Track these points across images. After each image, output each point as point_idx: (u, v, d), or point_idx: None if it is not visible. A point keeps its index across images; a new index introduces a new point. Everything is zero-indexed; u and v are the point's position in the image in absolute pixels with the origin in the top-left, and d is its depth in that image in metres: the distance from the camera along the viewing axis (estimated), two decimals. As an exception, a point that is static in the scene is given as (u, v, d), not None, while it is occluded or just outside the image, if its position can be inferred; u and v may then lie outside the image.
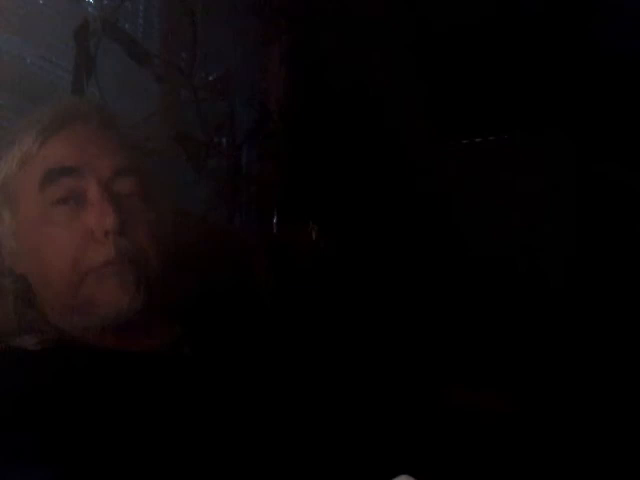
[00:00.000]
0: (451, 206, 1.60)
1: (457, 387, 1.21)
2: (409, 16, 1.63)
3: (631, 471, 1.03)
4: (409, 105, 1.64)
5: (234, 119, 1.44)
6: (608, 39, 1.45)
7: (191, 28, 1.31)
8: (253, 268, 1.10)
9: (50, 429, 0.52)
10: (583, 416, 1.21)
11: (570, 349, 1.37)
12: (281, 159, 1.64)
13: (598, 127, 1.45)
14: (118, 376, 0.58)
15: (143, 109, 1.20)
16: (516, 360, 1.40)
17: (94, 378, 0.57)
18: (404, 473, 0.49)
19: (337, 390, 0.73)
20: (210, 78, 1.43)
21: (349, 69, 1.66)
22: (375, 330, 1.33)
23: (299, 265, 1.45)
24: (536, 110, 1.53)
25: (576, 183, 1.47)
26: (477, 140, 1.62)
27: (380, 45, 1.64)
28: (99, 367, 0.58)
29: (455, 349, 1.44)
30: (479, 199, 1.57)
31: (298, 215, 1.62)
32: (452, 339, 1.46)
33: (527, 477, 1.01)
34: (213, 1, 1.49)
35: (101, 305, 0.60)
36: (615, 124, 1.44)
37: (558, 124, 1.50)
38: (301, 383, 0.69)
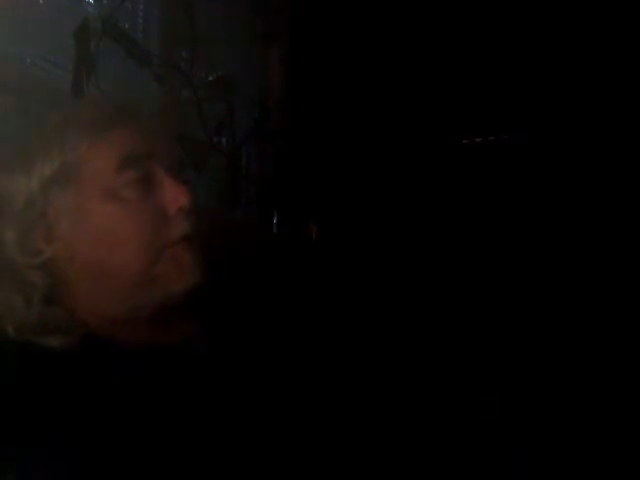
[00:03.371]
0: (451, 206, 1.60)
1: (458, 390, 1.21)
2: (409, 16, 1.63)
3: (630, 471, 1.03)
4: (410, 105, 1.64)
5: (234, 119, 1.44)
6: (608, 38, 1.45)
7: (191, 28, 1.31)
8: (262, 263, 1.10)
9: (75, 429, 0.52)
10: (583, 419, 1.21)
11: (571, 352, 1.37)
12: (281, 159, 1.64)
13: (598, 127, 1.46)
14: (143, 373, 0.59)
15: (143, 109, 1.20)
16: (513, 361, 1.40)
17: (120, 376, 0.58)
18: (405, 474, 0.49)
19: (338, 389, 0.74)
20: (210, 78, 1.43)
21: (349, 69, 1.66)
22: (376, 329, 1.33)
23: (299, 264, 1.45)
24: (537, 110, 1.53)
25: (575, 183, 1.47)
26: (477, 140, 1.63)
27: (380, 45, 1.64)
28: (124, 364, 0.59)
29: (454, 349, 1.44)
30: (479, 199, 1.57)
31: (298, 215, 1.62)
32: (452, 339, 1.46)
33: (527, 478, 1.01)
34: (213, 1, 1.50)
35: (175, 278, 0.62)
36: (615, 123, 1.45)
37: (558, 124, 1.50)
38: (310, 382, 0.70)
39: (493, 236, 1.54)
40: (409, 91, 1.64)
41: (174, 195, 0.63)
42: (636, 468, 1.09)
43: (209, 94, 1.34)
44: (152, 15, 1.38)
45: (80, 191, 0.62)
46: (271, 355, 0.70)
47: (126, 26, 1.27)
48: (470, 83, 1.59)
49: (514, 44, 1.53)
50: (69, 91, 1.03)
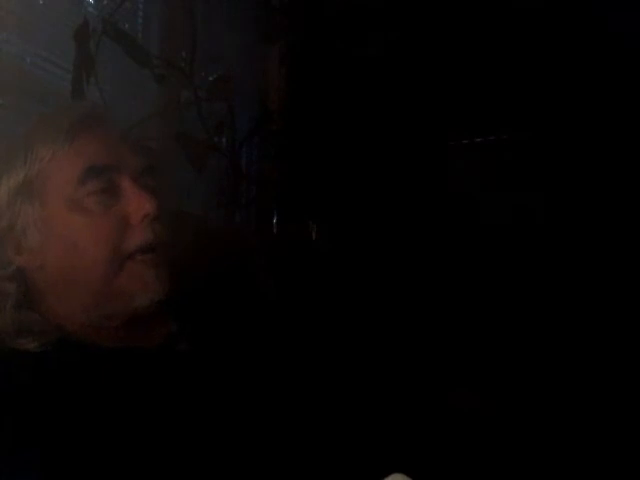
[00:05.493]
0: (451, 206, 1.60)
1: (458, 388, 1.21)
2: (410, 15, 1.63)
3: (630, 471, 1.03)
4: (409, 105, 1.64)
5: (234, 119, 1.44)
6: (611, 34, 1.45)
7: (191, 28, 1.31)
8: (253, 267, 1.10)
9: (51, 429, 0.52)
10: (582, 419, 1.21)
11: (570, 352, 1.37)
12: (281, 159, 1.64)
13: (597, 126, 1.46)
14: (119, 374, 0.59)
15: (143, 109, 1.20)
16: (513, 363, 1.40)
17: (96, 377, 0.58)
18: (401, 472, 0.49)
19: (335, 388, 0.74)
20: (210, 78, 1.43)
21: (349, 69, 1.66)
22: (375, 329, 1.33)
23: (299, 264, 1.45)
24: (536, 110, 1.53)
25: (575, 183, 1.47)
26: (477, 140, 1.63)
27: (380, 44, 1.64)
28: (100, 366, 0.59)
29: (455, 350, 1.44)
30: (479, 199, 1.57)
31: (298, 215, 1.62)
32: (453, 340, 1.46)
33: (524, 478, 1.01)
34: (213, 1, 1.50)
35: (137, 292, 0.62)
36: (615, 122, 1.44)
37: (557, 123, 1.50)
38: (299, 381, 0.70)
39: (493, 235, 1.54)
40: (409, 91, 1.64)
41: (137, 203, 0.63)
42: (636, 468, 1.09)
43: (209, 94, 1.34)
44: (152, 15, 1.38)
45: (44, 203, 0.62)
46: (268, 355, 0.70)
47: (126, 26, 1.27)
48: (470, 83, 1.59)
49: (514, 43, 1.53)
50: (69, 91, 1.03)
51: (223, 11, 1.52)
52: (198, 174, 1.26)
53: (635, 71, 1.43)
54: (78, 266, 0.62)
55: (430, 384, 1.21)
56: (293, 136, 1.63)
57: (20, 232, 0.63)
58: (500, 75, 1.56)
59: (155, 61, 1.21)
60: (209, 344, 0.68)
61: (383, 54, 1.64)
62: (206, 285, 0.76)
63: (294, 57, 1.69)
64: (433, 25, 1.62)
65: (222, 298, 0.77)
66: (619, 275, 1.39)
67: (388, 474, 0.49)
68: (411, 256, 1.58)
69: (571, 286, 1.42)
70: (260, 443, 0.60)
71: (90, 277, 0.62)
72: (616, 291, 1.39)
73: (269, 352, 0.71)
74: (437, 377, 1.26)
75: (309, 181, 1.64)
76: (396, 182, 1.65)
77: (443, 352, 1.42)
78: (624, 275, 1.39)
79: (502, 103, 1.56)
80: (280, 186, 1.62)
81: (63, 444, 0.51)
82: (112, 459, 0.53)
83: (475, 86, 1.59)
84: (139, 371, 0.60)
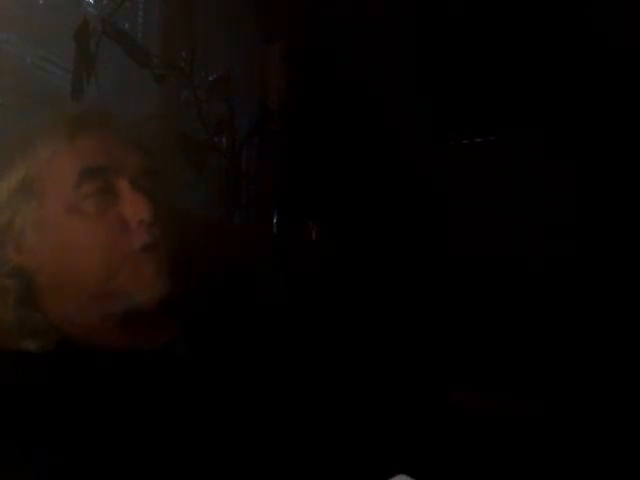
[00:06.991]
0: (451, 206, 1.60)
1: (461, 389, 1.21)
2: (409, 15, 1.63)
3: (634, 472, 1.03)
4: (409, 105, 1.64)
5: (234, 119, 1.44)
6: (607, 35, 1.45)
7: (191, 28, 1.31)
8: (254, 267, 1.10)
9: (54, 431, 0.52)
10: (588, 419, 1.21)
11: (574, 351, 1.37)
12: (281, 159, 1.63)
13: (597, 126, 1.46)
14: (120, 377, 0.59)
15: (143, 109, 1.20)
16: (521, 363, 1.40)
17: (96, 381, 0.58)
18: (404, 473, 0.49)
19: (336, 390, 0.74)
20: (210, 78, 1.43)
21: (349, 69, 1.66)
22: (376, 330, 1.33)
23: (299, 265, 1.45)
24: (536, 110, 1.53)
25: (575, 182, 1.47)
26: (477, 140, 1.62)
27: (380, 44, 1.64)
28: (101, 369, 0.59)
29: (457, 350, 1.44)
30: (479, 199, 1.57)
31: (298, 215, 1.62)
32: (454, 340, 1.46)
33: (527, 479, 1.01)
34: (213, 1, 1.50)
35: (136, 290, 0.62)
36: (614, 122, 1.44)
37: (557, 123, 1.50)
38: (300, 383, 0.70)
39: (493, 235, 1.54)
40: (409, 90, 1.64)
41: (134, 208, 0.63)
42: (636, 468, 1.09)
43: (209, 94, 1.34)
44: (152, 15, 1.38)
45: (42, 204, 0.63)
46: (266, 356, 0.70)
47: (126, 26, 1.27)
48: (470, 83, 1.59)
49: (514, 43, 1.53)
50: (69, 91, 1.03)
51: (223, 11, 1.52)
52: (198, 174, 1.26)
53: (633, 72, 1.43)
54: (74, 269, 0.62)
55: (432, 382, 1.21)
56: (293, 136, 1.63)
57: (18, 231, 0.63)
58: (501, 75, 1.56)
59: (155, 61, 1.21)
60: (212, 346, 0.68)
61: (383, 54, 1.64)
62: (211, 286, 0.76)
63: (294, 57, 1.69)
64: (433, 24, 1.62)
65: (226, 299, 0.77)
66: (620, 274, 1.39)
67: (391, 475, 0.49)
68: (411, 256, 1.58)
69: (571, 285, 1.42)
70: (262, 445, 0.60)
71: (87, 280, 0.62)
72: (616, 291, 1.39)
73: (270, 354, 0.70)
74: (439, 375, 1.26)
75: (309, 181, 1.64)
76: (396, 182, 1.65)
77: (444, 350, 1.42)
78: (625, 274, 1.39)
79: (502, 103, 1.56)
80: (280, 186, 1.62)
81: (65, 448, 0.51)
82: (112, 461, 0.53)
83: (476, 86, 1.59)
84: (140, 374, 0.60)
